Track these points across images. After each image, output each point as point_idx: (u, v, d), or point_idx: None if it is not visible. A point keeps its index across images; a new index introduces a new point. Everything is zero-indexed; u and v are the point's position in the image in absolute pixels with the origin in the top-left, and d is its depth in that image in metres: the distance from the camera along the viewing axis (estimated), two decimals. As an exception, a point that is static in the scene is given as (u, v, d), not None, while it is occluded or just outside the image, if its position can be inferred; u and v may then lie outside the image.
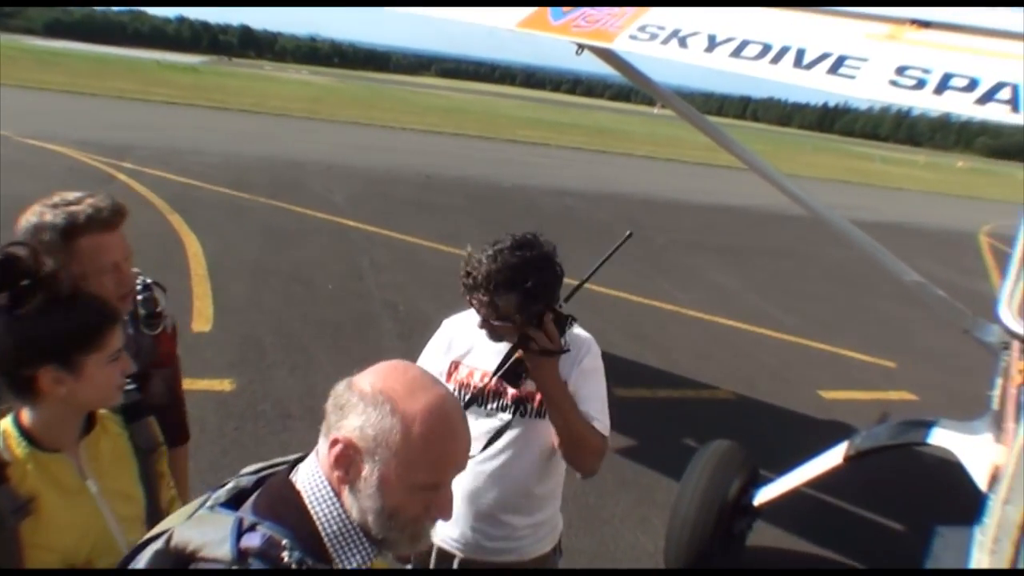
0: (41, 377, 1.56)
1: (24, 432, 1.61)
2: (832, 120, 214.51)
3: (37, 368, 1.55)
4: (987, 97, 1.90)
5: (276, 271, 8.29)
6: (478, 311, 2.23)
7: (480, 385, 2.31)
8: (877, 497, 5.17)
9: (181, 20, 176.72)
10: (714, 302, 9.61)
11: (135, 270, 2.14)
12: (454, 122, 35.18)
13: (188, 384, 5.57)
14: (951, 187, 39.55)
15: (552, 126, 43.78)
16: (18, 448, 1.59)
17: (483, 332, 2.33)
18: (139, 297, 2.20)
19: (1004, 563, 2.00)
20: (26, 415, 1.62)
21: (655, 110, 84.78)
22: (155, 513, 1.80)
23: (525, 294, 2.13)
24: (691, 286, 10.42)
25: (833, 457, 3.73)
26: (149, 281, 2.25)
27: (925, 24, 2.14)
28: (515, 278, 2.13)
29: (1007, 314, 3.11)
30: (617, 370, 6.75)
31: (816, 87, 2.01)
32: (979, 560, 2.11)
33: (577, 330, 2.35)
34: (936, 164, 70.76)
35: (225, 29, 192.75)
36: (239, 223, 10.29)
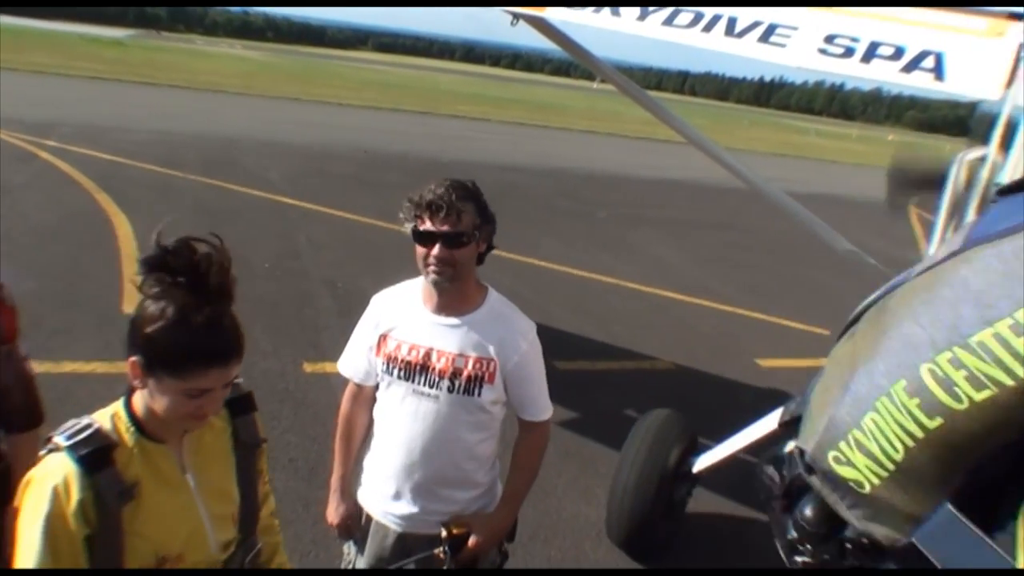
0: (133, 364, 1.54)
1: (134, 418, 1.60)
2: (768, 94, 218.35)
3: (133, 353, 1.54)
4: (912, 65, 1.94)
5: (211, 250, 8.06)
6: (430, 238, 2.15)
7: (408, 359, 2.29)
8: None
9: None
10: (654, 274, 9.71)
11: None
12: (392, 98, 34.73)
13: (123, 367, 5.44)
14: (883, 159, 40.38)
15: (492, 101, 43.55)
16: (126, 433, 1.59)
17: (410, 305, 2.32)
18: None
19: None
20: (137, 402, 1.60)
21: (595, 85, 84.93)
22: (249, 511, 1.80)
23: (480, 207, 2.20)
24: (632, 259, 10.50)
25: (769, 423, 3.78)
26: None
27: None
28: (469, 193, 2.19)
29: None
30: (558, 343, 6.85)
31: (747, 55, 2.02)
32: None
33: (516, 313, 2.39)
34: (868, 137, 72.43)
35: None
36: (170, 202, 10.01)
